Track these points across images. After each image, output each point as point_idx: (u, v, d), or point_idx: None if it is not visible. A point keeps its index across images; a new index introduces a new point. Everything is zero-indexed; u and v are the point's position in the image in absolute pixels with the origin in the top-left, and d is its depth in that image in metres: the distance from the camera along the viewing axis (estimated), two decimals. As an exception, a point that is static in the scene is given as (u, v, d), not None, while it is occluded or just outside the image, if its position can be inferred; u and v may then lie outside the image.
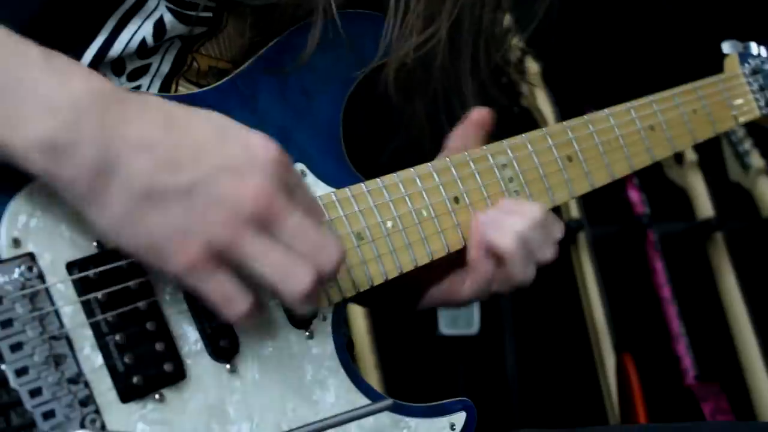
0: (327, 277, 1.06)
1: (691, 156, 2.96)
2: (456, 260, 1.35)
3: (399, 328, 3.08)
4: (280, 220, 1.02)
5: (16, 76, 0.98)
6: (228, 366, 1.14)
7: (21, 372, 1.01)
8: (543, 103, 2.96)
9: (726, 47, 1.69)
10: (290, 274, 1.03)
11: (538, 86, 2.97)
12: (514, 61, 2.99)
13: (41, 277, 1.04)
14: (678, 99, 1.56)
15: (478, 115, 1.41)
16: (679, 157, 2.99)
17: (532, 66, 2.98)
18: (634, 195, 2.98)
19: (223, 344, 1.14)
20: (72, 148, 0.97)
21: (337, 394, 1.21)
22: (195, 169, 1.00)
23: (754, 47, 1.70)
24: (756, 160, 2.90)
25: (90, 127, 0.97)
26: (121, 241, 1.02)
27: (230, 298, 1.03)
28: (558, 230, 1.34)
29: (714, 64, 1.68)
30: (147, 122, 1.01)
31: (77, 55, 1.18)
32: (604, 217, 3.00)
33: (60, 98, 0.97)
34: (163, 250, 1.01)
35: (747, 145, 2.91)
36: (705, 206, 2.95)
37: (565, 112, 2.87)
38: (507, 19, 2.41)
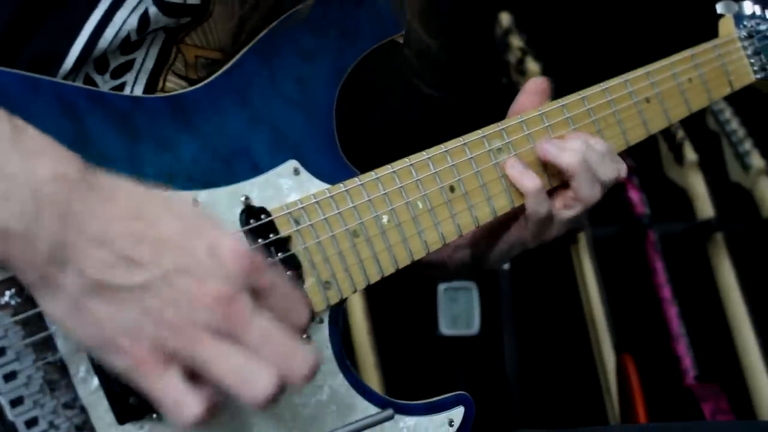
0: (294, 385, 1.00)
1: (691, 156, 2.96)
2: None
3: (399, 328, 3.08)
4: (241, 328, 0.97)
5: None
6: None
7: (16, 402, 1.00)
8: (543, 103, 2.95)
9: (720, 7, 1.65)
10: (249, 380, 0.97)
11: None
12: (514, 61, 2.99)
13: (32, 299, 1.02)
14: (673, 68, 1.53)
15: (535, 84, 1.46)
16: (679, 157, 2.98)
17: (532, 66, 2.98)
18: (635, 195, 2.97)
19: None
20: (27, 238, 0.94)
21: (336, 399, 1.21)
22: (152, 267, 0.96)
23: (748, 6, 1.66)
24: (756, 160, 2.90)
25: (48, 219, 0.94)
26: (69, 332, 0.99)
27: (177, 403, 0.97)
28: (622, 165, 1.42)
29: (707, 26, 1.65)
30: (109, 215, 0.96)
31: (63, 52, 1.16)
32: (604, 217, 3.00)
33: (22, 185, 0.94)
34: (111, 346, 0.97)
35: (747, 145, 2.90)
36: (705, 206, 2.94)
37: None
38: (507, 19, 2.41)
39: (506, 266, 3.02)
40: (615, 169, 1.41)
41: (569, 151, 1.37)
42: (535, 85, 1.46)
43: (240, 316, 0.97)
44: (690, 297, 2.90)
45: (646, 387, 2.72)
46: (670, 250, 2.91)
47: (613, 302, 2.93)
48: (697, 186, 2.96)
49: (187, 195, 1.14)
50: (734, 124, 2.91)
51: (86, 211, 0.96)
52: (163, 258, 0.96)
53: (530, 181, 1.36)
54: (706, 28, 1.64)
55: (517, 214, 1.42)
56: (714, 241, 2.93)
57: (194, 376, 0.98)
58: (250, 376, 0.97)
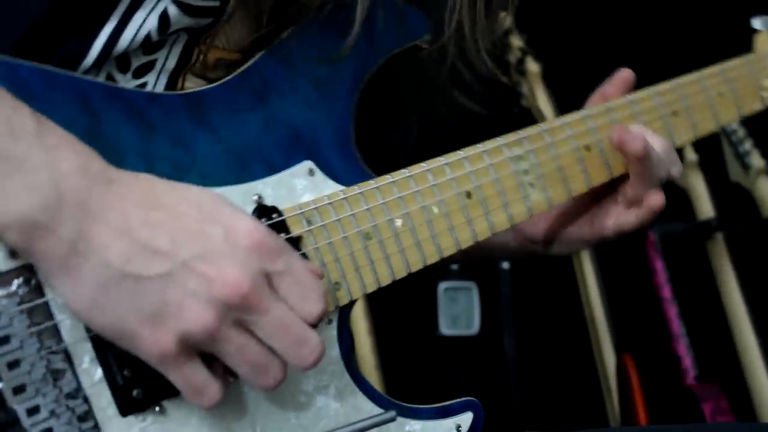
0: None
1: (691, 156, 2.95)
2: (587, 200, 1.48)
3: (399, 329, 3.08)
4: (257, 313, 1.01)
5: (4, 149, 0.97)
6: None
7: (18, 390, 1.01)
8: (543, 103, 2.96)
9: (756, 23, 1.65)
10: (262, 372, 1.04)
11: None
12: (514, 61, 2.99)
13: (39, 288, 1.03)
14: (704, 82, 1.52)
15: (625, 74, 1.50)
16: (679, 158, 2.98)
17: (532, 66, 2.98)
18: (635, 195, 2.96)
19: None
20: (49, 228, 0.96)
21: (341, 399, 1.21)
22: (171, 257, 0.99)
23: None
24: (756, 160, 2.89)
25: (70, 210, 0.97)
26: (91, 322, 1.01)
27: (198, 390, 1.03)
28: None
29: (742, 41, 1.64)
30: (129, 206, 1.00)
31: (83, 51, 1.16)
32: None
33: (45, 177, 0.97)
34: (133, 336, 1.00)
35: (747, 145, 2.90)
36: (705, 206, 2.94)
37: (565, 113, 2.89)
38: (507, 20, 2.41)
39: (506, 266, 3.02)
40: (677, 168, 1.48)
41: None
42: (623, 75, 1.50)
43: (256, 302, 1.01)
44: (690, 297, 2.89)
45: (646, 387, 2.72)
46: (670, 250, 2.91)
47: (613, 302, 2.93)
48: (697, 186, 2.96)
49: None
50: (734, 124, 2.90)
51: (107, 203, 0.99)
52: (182, 246, 0.99)
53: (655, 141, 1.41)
54: (739, 45, 1.64)
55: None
56: (714, 241, 2.92)
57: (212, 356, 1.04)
58: (263, 369, 1.03)
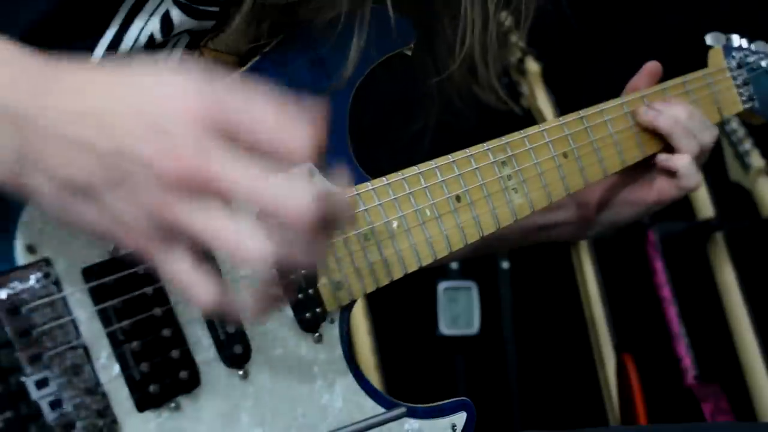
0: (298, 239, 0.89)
1: (691, 156, 2.96)
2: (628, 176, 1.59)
3: (399, 328, 3.08)
4: (217, 179, 0.87)
5: None
6: (240, 372, 1.15)
7: (41, 384, 1.01)
8: (543, 103, 2.96)
9: (709, 39, 1.70)
10: (240, 241, 0.87)
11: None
12: (514, 61, 2.99)
13: (57, 283, 1.04)
14: (667, 93, 1.57)
15: (653, 66, 1.60)
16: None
17: (532, 66, 2.98)
18: (635, 195, 2.97)
19: (236, 351, 1.14)
20: None
21: (344, 398, 1.22)
22: (110, 145, 0.88)
23: (736, 39, 1.72)
24: (756, 160, 2.90)
25: (6, 131, 0.91)
26: (76, 226, 0.93)
27: (190, 284, 0.90)
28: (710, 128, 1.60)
29: (696, 56, 1.69)
30: (60, 107, 0.91)
31: (88, 52, 1.16)
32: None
33: None
34: (112, 236, 0.91)
35: (747, 145, 2.90)
36: (705, 206, 2.94)
37: (565, 113, 2.88)
38: (507, 20, 2.41)
39: (506, 266, 3.03)
40: (711, 134, 1.59)
41: (665, 116, 1.53)
42: (651, 66, 1.61)
43: (210, 163, 0.88)
44: (690, 297, 2.90)
45: (646, 387, 2.72)
46: (670, 249, 2.92)
47: (613, 302, 2.93)
48: (697, 186, 2.96)
49: None
50: (734, 124, 2.91)
51: (38, 112, 0.92)
52: (118, 134, 0.89)
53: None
54: (694, 59, 1.68)
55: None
56: (714, 241, 2.93)
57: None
58: (240, 238, 0.87)
